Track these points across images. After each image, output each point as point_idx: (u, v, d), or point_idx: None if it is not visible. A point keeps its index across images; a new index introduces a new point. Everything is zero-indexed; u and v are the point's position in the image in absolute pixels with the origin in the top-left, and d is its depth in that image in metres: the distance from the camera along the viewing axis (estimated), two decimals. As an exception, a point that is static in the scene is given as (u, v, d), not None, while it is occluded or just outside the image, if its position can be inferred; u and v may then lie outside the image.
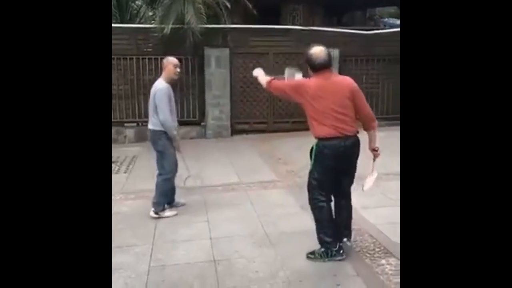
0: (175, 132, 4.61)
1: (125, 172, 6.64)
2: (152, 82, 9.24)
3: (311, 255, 3.52)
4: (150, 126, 4.60)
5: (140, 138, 9.05)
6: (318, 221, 3.54)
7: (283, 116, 9.56)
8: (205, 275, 3.31)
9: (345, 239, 3.64)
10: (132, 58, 9.04)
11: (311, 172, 3.51)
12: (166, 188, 4.62)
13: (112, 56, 8.86)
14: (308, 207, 3.68)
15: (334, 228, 3.54)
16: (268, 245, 3.83)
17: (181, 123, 9.43)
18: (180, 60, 9.02)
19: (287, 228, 4.19)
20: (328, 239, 3.49)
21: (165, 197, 4.65)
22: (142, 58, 9.07)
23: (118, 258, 3.55)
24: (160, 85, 4.48)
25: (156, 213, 4.57)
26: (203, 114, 9.40)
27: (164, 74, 4.59)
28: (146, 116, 9.37)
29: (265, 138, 8.93)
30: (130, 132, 9.24)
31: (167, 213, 4.62)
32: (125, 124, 9.26)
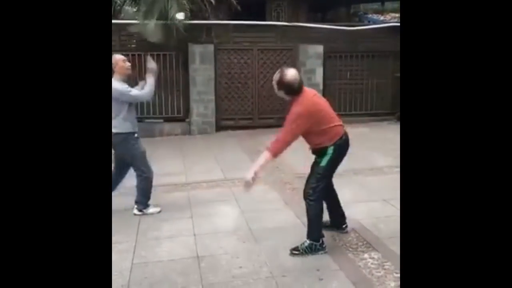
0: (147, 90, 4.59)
1: (108, 169, 6.58)
2: (135, 78, 9.19)
3: (295, 251, 3.55)
4: (114, 130, 4.31)
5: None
6: (317, 216, 3.56)
7: (268, 112, 9.57)
8: (189, 272, 3.30)
9: (344, 225, 3.90)
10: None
11: (320, 175, 3.50)
12: (147, 187, 4.59)
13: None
14: (291, 202, 3.70)
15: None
16: (252, 241, 3.84)
17: (166, 119, 9.40)
18: (164, 55, 9.04)
19: (271, 224, 4.20)
20: (321, 234, 3.57)
21: (147, 196, 4.62)
22: (126, 55, 8.96)
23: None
24: (115, 84, 4.28)
25: (140, 210, 4.55)
26: (187, 111, 9.36)
27: (116, 73, 4.41)
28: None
29: (250, 134, 8.94)
30: (114, 129, 9.16)
31: (151, 209, 4.59)
32: (109, 121, 9.19)
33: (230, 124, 9.54)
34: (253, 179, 3.33)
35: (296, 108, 3.38)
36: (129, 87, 4.45)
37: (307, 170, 3.64)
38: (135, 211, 4.54)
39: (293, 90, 3.42)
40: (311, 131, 3.43)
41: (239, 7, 9.25)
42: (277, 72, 3.51)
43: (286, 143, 3.37)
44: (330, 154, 3.46)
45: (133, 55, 8.95)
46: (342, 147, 3.52)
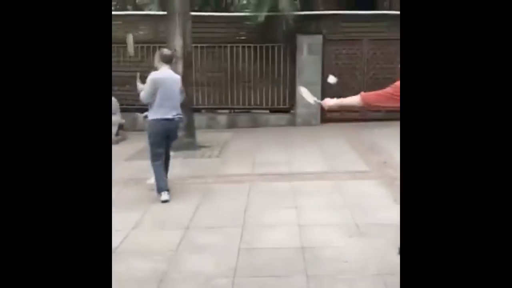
0: None
1: (217, 157, 6.87)
2: (244, 70, 9.45)
3: None
4: (179, 116, 4.79)
5: (232, 124, 9.31)
6: None
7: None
8: (293, 261, 3.32)
9: None
10: (227, 46, 9.27)
11: None
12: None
13: (208, 45, 9.18)
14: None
15: None
16: (358, 236, 3.74)
17: (272, 110, 9.54)
18: (272, 47, 9.16)
19: (378, 220, 4.05)
20: None
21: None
22: (236, 46, 9.27)
23: (209, 239, 3.71)
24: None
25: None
26: (293, 102, 9.40)
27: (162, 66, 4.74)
28: (238, 103, 9.67)
29: (356, 127, 8.71)
30: (222, 119, 9.54)
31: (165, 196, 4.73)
32: (218, 111, 9.56)
33: (336, 116, 9.37)
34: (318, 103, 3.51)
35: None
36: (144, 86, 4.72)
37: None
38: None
39: None
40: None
41: (350, -4, 9.03)
42: None
43: (380, 95, 3.23)
44: None
45: (243, 47, 9.22)
46: None
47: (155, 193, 4.74)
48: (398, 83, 3.30)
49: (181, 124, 5.33)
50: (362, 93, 3.31)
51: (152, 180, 4.88)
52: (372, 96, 3.26)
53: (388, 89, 3.25)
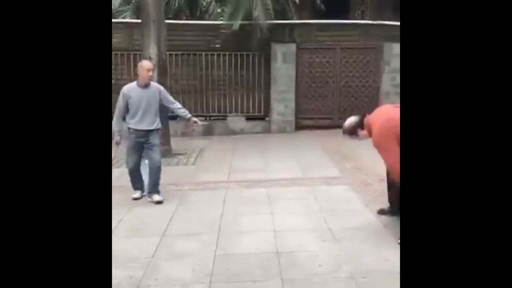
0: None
1: (193, 164, 6.89)
2: (219, 77, 9.48)
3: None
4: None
5: (207, 132, 9.33)
6: None
7: (349, 112, 9.40)
8: (269, 266, 3.37)
9: None
10: (201, 54, 9.32)
11: None
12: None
13: (183, 52, 9.20)
14: (372, 204, 3.65)
15: None
16: (332, 240, 3.83)
17: (247, 117, 9.62)
18: (247, 55, 9.26)
19: (351, 224, 4.16)
20: None
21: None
22: (211, 54, 9.32)
23: (185, 246, 3.74)
24: (127, 88, 4.86)
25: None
26: (268, 109, 9.50)
27: (139, 77, 4.85)
28: (214, 110, 9.68)
29: (330, 134, 8.86)
30: (198, 126, 9.54)
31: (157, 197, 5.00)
32: (194, 119, 9.57)
33: (310, 123, 9.53)
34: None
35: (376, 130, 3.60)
36: (119, 107, 4.86)
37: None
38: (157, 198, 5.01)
39: (357, 125, 3.80)
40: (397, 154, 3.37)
41: (322, 6, 9.21)
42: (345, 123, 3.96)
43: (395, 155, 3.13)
44: None
45: (218, 54, 9.29)
46: None
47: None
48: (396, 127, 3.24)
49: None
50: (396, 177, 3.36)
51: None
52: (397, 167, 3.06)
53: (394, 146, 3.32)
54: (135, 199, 5.02)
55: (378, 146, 3.56)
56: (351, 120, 3.85)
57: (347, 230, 4.04)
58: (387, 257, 3.46)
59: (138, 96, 4.80)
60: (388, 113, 3.62)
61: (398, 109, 3.35)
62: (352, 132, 3.87)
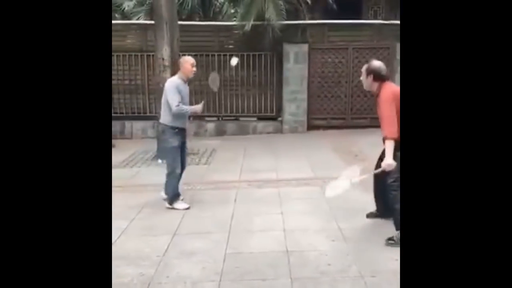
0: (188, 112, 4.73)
1: (205, 164, 6.95)
2: (232, 78, 9.55)
3: (391, 241, 3.66)
4: (160, 120, 4.78)
5: (219, 131, 9.39)
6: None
7: (362, 112, 9.40)
8: (278, 265, 3.41)
9: None
10: (214, 55, 9.38)
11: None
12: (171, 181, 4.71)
13: (195, 53, 9.28)
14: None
15: None
16: (341, 240, 3.84)
17: (259, 118, 9.65)
18: (259, 55, 9.30)
19: (361, 224, 4.17)
20: None
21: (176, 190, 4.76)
22: (224, 55, 9.38)
23: (196, 244, 3.79)
24: (172, 84, 4.56)
25: (169, 203, 4.72)
26: (280, 110, 9.53)
27: (180, 72, 4.65)
28: (226, 111, 9.74)
29: (342, 134, 8.86)
30: (210, 126, 9.61)
31: (179, 205, 4.73)
32: (206, 118, 9.64)
33: (322, 123, 9.52)
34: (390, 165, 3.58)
35: (386, 91, 3.65)
36: (179, 100, 4.53)
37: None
38: (166, 204, 4.74)
39: (380, 75, 3.71)
40: (394, 114, 3.52)
41: (334, 6, 9.20)
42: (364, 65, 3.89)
43: (395, 122, 3.50)
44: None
45: (230, 55, 9.34)
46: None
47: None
48: (391, 93, 3.62)
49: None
50: (386, 136, 3.58)
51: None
52: (391, 127, 3.52)
53: (390, 108, 3.56)
54: (186, 209, 4.71)
55: (382, 102, 3.64)
56: (382, 67, 3.77)
57: (357, 230, 4.05)
58: (396, 257, 3.45)
59: (185, 92, 4.66)
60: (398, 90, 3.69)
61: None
62: (375, 74, 3.73)
